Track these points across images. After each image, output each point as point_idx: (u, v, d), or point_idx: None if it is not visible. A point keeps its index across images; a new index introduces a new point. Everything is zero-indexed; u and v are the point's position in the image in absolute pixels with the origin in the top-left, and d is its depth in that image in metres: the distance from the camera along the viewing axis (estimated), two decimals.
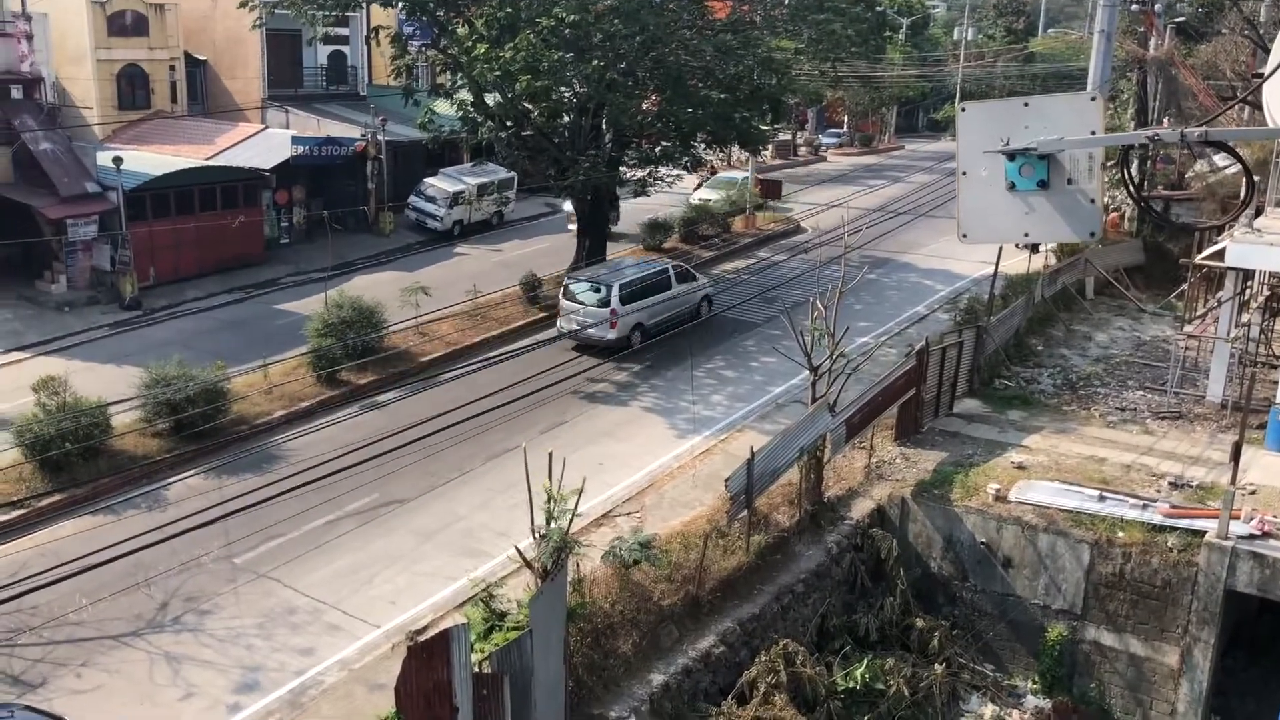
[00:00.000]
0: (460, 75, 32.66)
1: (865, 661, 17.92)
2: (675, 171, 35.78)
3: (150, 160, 35.21)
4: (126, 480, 21.65)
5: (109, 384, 25.06)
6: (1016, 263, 31.48)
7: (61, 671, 16.30)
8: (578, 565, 16.18)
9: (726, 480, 18.41)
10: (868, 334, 29.90)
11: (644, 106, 33.55)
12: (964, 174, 6.66)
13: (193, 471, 21.98)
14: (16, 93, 35.02)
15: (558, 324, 30.33)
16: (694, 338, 29.36)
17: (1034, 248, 31.88)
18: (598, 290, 29.82)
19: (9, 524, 20.01)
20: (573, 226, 38.30)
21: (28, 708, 14.59)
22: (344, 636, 17.36)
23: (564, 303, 30.16)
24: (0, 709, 14.54)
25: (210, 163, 36.34)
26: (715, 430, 24.85)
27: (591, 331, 29.24)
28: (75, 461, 21.54)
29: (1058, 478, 20.63)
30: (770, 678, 16.34)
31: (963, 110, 6.71)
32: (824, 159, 68.09)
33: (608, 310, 29.11)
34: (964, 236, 6.84)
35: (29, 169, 33.81)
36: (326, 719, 15.22)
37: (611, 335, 28.92)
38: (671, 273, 31.66)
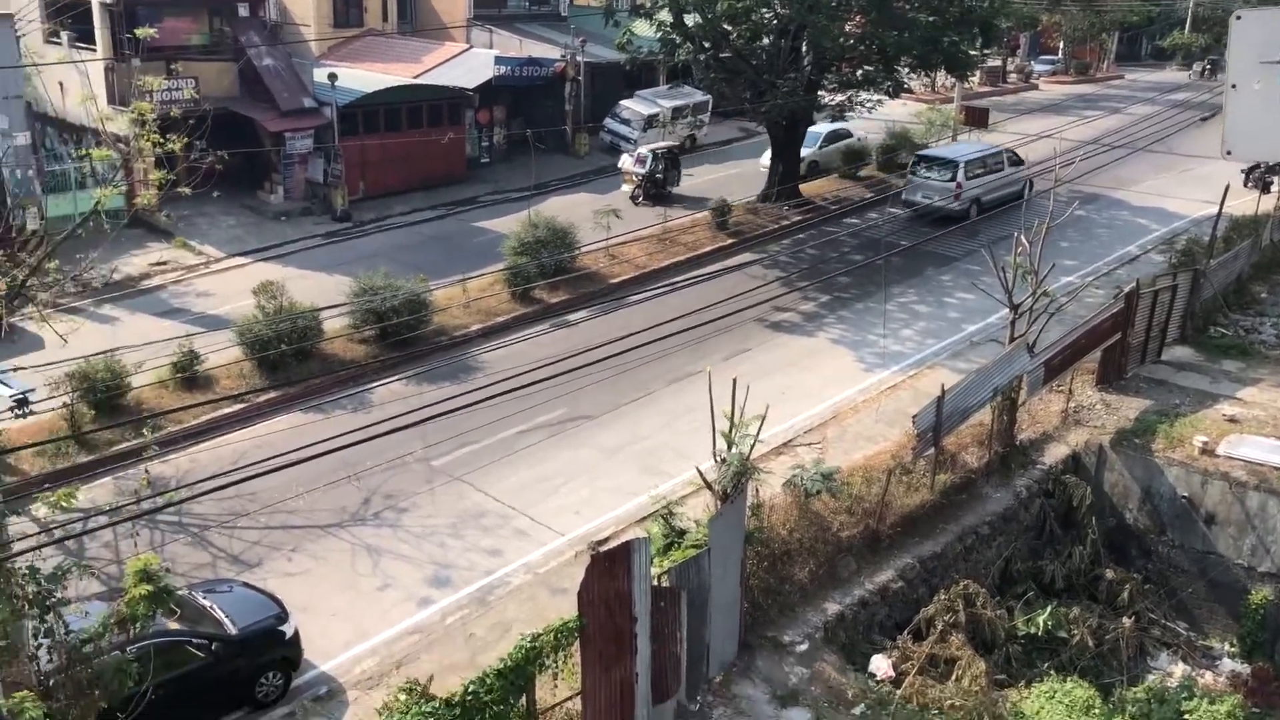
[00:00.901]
0: None
1: (1049, 609, 17.45)
2: (875, 97, 34.70)
3: (362, 77, 36.60)
4: (335, 382, 22.99)
5: (321, 291, 26.49)
6: (1243, 203, 29.34)
7: (275, 555, 17.63)
8: (757, 490, 16.29)
9: (914, 417, 18.08)
10: (1073, 273, 28.49)
11: (847, 29, 32.57)
12: (1233, 87, 6.24)
13: (396, 377, 23.14)
14: (243, 10, 36.90)
15: (902, 195, 34.37)
16: (888, 269, 28.70)
17: (1265, 187, 29.65)
18: (945, 167, 33.64)
19: (231, 416, 21.59)
20: (626, 188, 35.82)
21: (246, 584, 15.86)
22: (530, 541, 18.09)
23: (911, 177, 34.53)
24: (221, 584, 15.89)
25: (418, 81, 37.47)
26: (904, 366, 24.36)
27: (937, 202, 32.86)
28: (289, 362, 23.01)
29: (1275, 434, 19.34)
30: (948, 616, 16.12)
31: (1237, 19, 6.25)
32: (1035, 87, 64.61)
33: (954, 184, 32.90)
34: (1228, 153, 6.41)
35: (253, 84, 35.72)
36: (512, 618, 15.95)
37: (955, 206, 32.40)
38: (1005, 156, 34.95)
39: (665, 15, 32.86)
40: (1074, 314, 22.80)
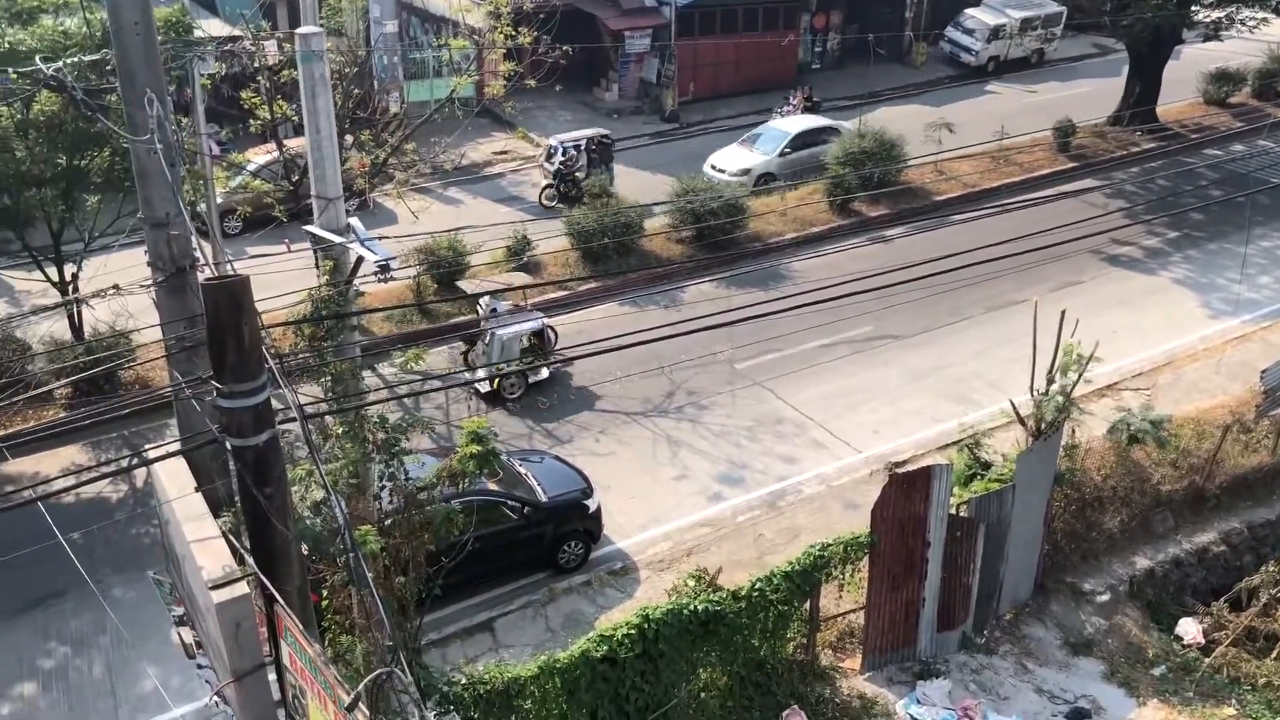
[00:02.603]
0: None
1: None
2: (1260, 15, 30.95)
3: None
4: (651, 278, 23.73)
5: (644, 189, 27.25)
6: None
7: (584, 434, 18.65)
8: (1073, 431, 15.46)
9: (1263, 371, 16.53)
10: None
11: None
12: None
13: (708, 278, 23.56)
14: None
15: None
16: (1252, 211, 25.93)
17: None
18: None
19: (555, 301, 22.76)
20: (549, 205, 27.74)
21: (557, 458, 16.94)
22: (825, 454, 18.15)
23: None
24: (535, 454, 17.04)
25: None
26: (1257, 315, 22.15)
27: None
28: (611, 254, 23.91)
29: None
30: (1276, 589, 14.78)
31: None
32: None
33: None
34: None
35: None
36: (802, 526, 16.17)
37: None
38: None
39: None
40: None
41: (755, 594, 12.52)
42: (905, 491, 13.08)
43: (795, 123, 30.39)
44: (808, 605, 13.17)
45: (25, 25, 17.53)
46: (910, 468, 15.46)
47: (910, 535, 13.23)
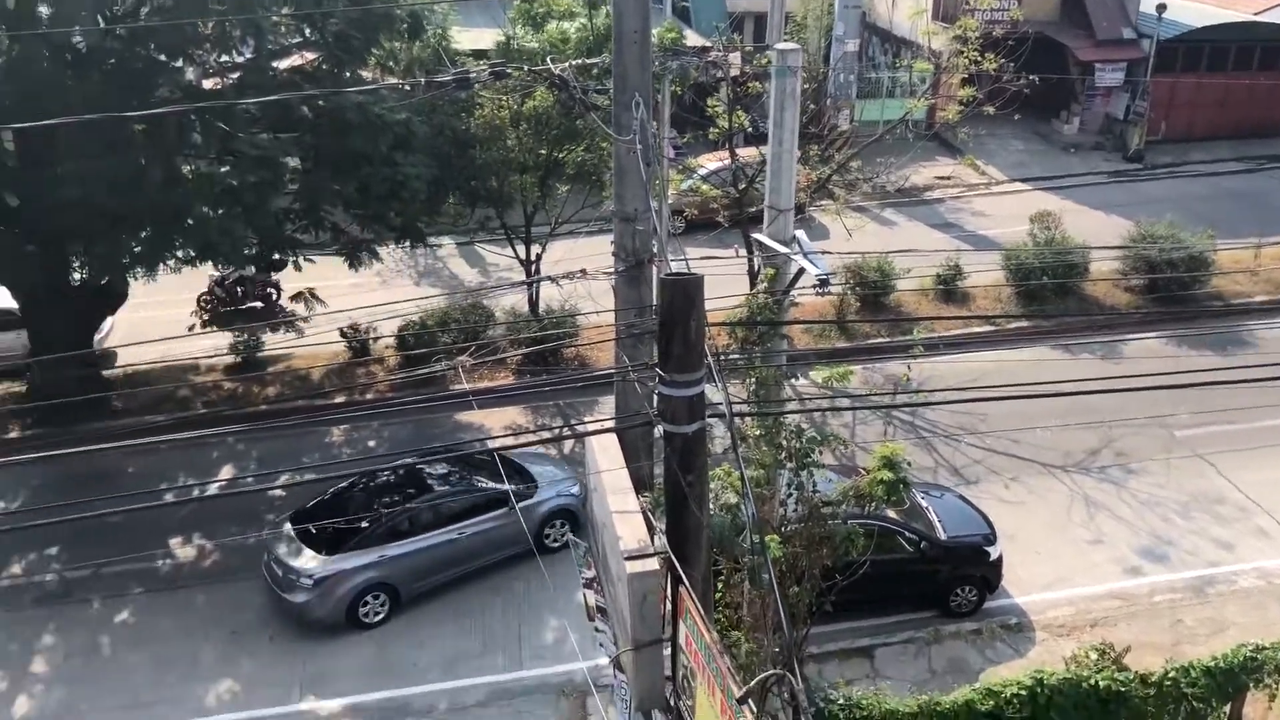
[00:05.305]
0: None
1: None
2: None
3: (1193, 10, 33.74)
4: (1090, 325, 22.27)
5: (1094, 230, 25.57)
6: None
7: (993, 478, 17.88)
8: None
9: None
10: None
11: None
12: None
13: (1154, 334, 21.79)
14: None
15: None
16: None
17: None
18: None
19: (979, 336, 22.06)
20: None
21: (961, 497, 16.37)
22: (1270, 545, 16.20)
23: None
24: (937, 490, 16.58)
25: (1259, 19, 33.54)
26: None
27: None
28: (1048, 295, 22.71)
29: None
30: None
31: None
32: None
33: None
34: None
35: (1073, 9, 34.84)
36: (1230, 620, 14.53)
37: None
38: None
39: None
40: None
41: (1168, 683, 11.41)
42: None
43: None
44: (1228, 709, 11.81)
45: (537, 29, 19.61)
46: None
47: None
